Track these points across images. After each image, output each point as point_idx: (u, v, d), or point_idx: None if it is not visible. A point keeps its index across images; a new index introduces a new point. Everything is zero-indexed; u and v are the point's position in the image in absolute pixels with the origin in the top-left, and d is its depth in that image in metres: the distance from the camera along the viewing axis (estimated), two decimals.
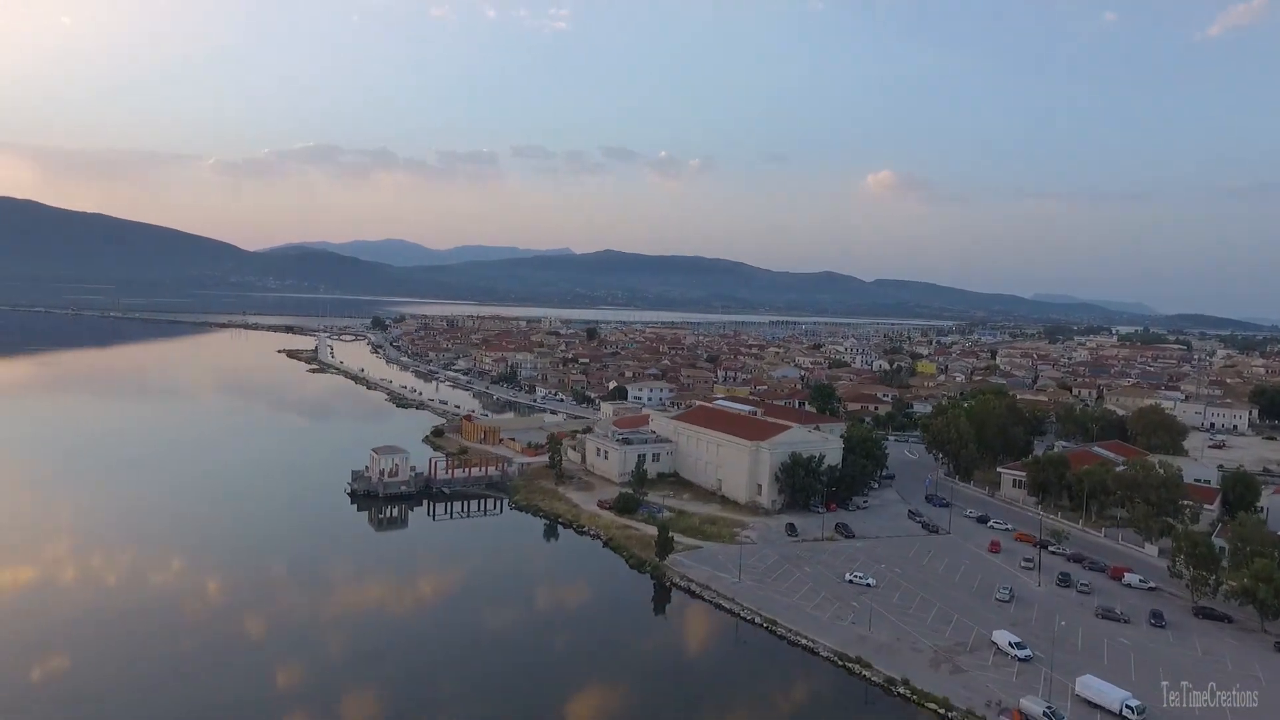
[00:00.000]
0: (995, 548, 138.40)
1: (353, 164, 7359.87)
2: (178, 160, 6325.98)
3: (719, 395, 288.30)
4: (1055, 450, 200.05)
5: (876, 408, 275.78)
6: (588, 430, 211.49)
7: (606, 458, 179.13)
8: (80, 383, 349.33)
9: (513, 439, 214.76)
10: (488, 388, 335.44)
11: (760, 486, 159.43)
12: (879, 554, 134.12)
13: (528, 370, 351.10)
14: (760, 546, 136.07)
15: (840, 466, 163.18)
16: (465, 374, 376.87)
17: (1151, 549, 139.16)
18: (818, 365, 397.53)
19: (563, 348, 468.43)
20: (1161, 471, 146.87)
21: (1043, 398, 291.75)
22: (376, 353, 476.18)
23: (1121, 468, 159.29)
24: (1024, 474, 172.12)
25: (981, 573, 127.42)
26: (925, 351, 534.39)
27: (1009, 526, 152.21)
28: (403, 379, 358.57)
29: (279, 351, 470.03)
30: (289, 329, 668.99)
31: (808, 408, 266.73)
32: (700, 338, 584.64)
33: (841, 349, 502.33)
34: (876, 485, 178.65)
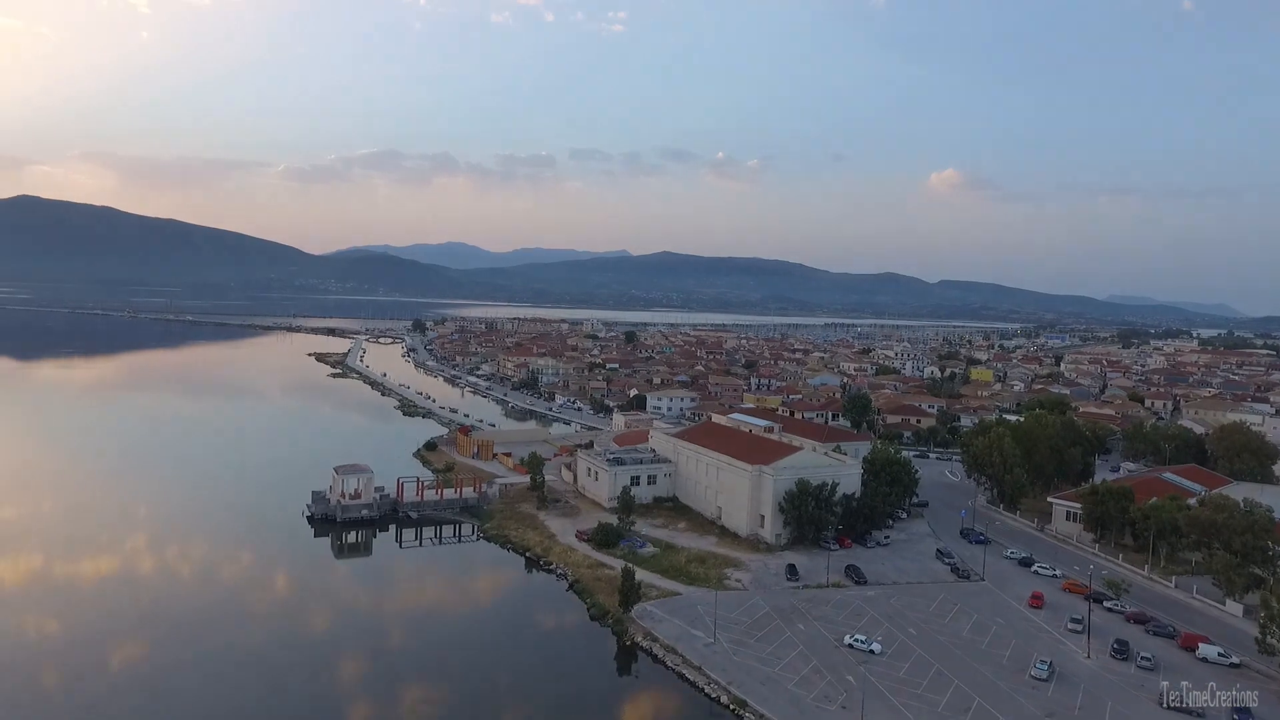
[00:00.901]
0: (1038, 601, 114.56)
1: (415, 169, 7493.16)
2: (248, 167, 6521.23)
3: (747, 405, 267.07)
4: (1118, 476, 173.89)
5: (919, 421, 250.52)
6: (587, 445, 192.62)
7: (597, 479, 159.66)
8: (72, 385, 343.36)
9: (507, 453, 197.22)
10: (506, 394, 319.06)
11: (763, 518, 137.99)
12: (892, 607, 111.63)
13: (549, 376, 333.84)
14: (750, 594, 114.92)
15: (859, 495, 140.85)
16: (488, 380, 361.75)
17: (1235, 607, 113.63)
18: (861, 372, 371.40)
19: (596, 351, 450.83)
20: (1247, 510, 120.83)
21: (1109, 410, 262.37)
22: (408, 357, 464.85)
23: (1196, 500, 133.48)
24: (1079, 506, 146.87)
25: (1017, 636, 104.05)
26: (984, 357, 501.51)
27: (1057, 573, 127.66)
28: (427, 384, 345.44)
29: (309, 355, 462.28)
30: (331, 331, 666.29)
31: (841, 421, 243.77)
32: (743, 341, 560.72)
33: (891, 354, 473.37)
34: (905, 514, 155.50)
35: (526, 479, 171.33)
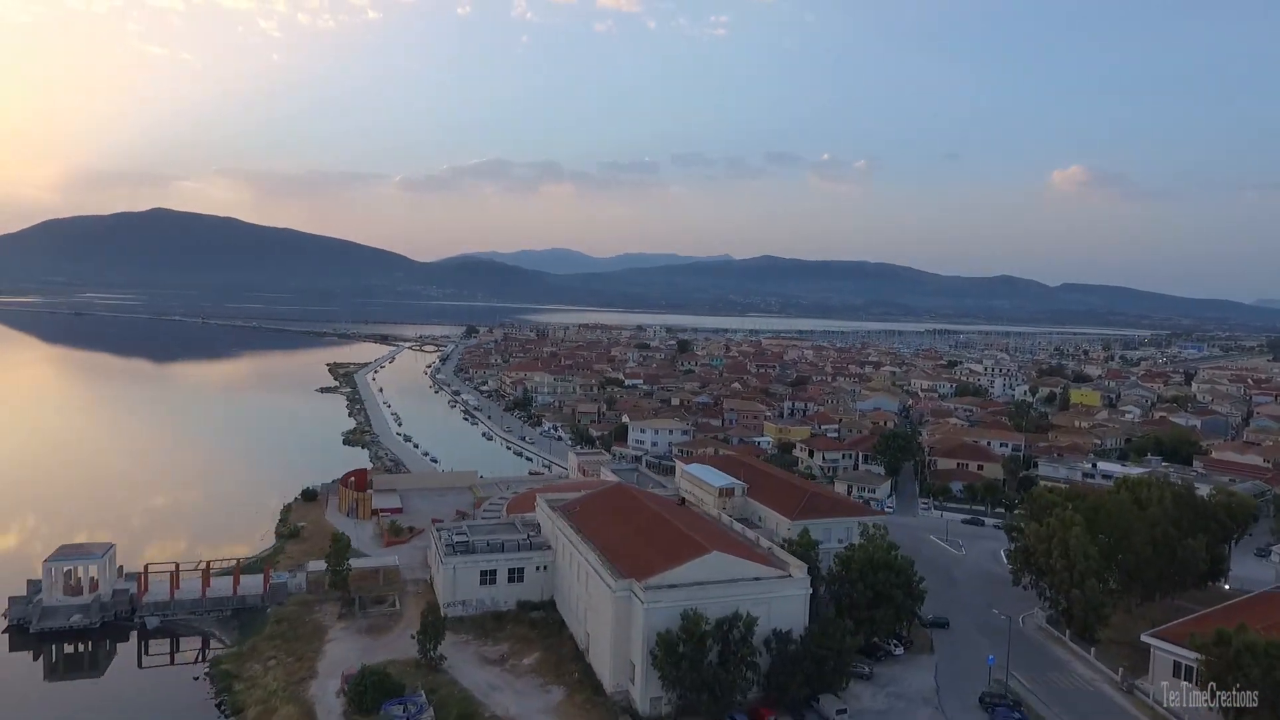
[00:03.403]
0: None
1: (521, 177, 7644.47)
2: (367, 179, 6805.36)
3: (761, 439, 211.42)
4: (1271, 589, 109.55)
5: (981, 467, 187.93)
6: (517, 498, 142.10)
7: (438, 570, 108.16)
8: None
9: (398, 509, 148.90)
10: (490, 416, 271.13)
11: (634, 666, 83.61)
12: None
13: (544, 396, 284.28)
14: None
15: (802, 633, 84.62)
16: (490, 397, 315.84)
17: None
18: (931, 393, 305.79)
19: (631, 364, 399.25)
20: None
21: (1253, 458, 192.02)
22: (430, 369, 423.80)
23: None
24: (1194, 654, 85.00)
25: None
26: (1095, 372, 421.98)
27: None
28: (424, 403, 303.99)
29: (328, 364, 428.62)
30: (383, 339, 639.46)
31: (872, 468, 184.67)
32: (806, 353, 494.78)
33: (980, 369, 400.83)
34: (900, 648, 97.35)
35: (389, 553, 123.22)
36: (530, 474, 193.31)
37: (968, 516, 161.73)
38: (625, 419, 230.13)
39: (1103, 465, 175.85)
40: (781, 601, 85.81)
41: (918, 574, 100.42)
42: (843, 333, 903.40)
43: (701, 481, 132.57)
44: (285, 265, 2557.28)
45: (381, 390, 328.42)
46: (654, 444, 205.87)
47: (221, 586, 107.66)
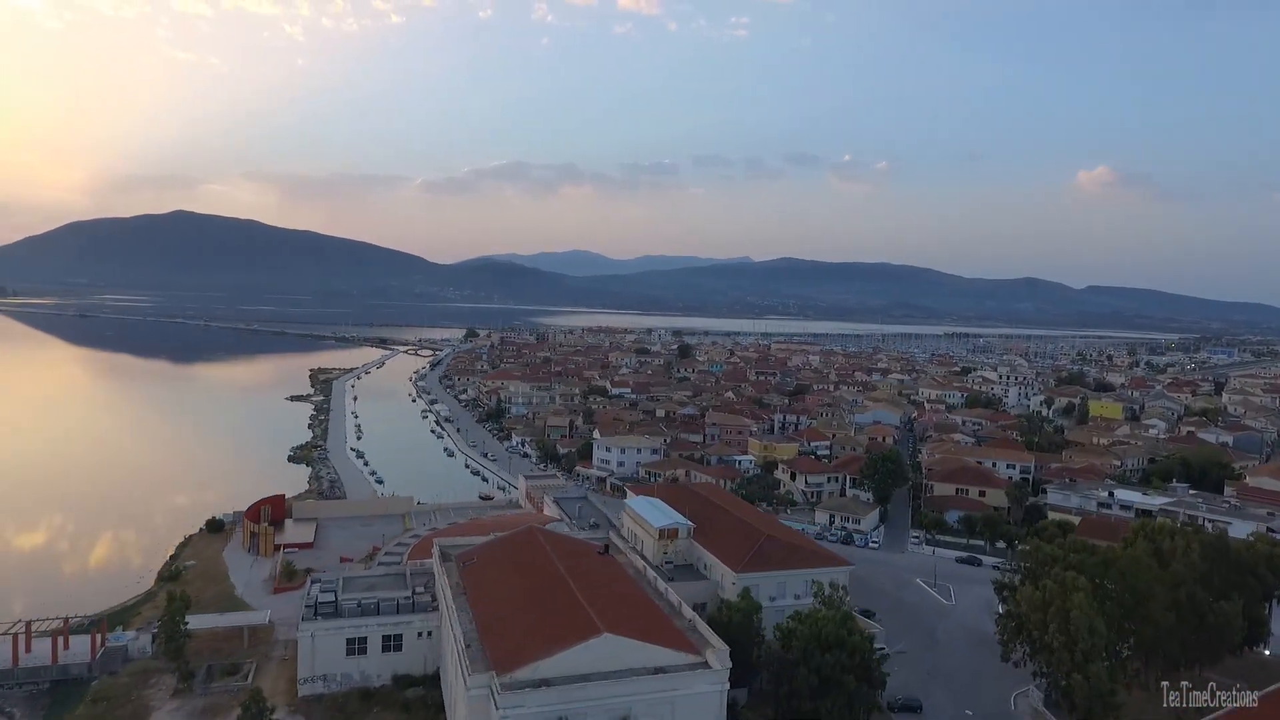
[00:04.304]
0: None
1: (541, 179, 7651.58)
2: (389, 181, 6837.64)
3: (746, 456, 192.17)
4: None
5: (983, 494, 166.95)
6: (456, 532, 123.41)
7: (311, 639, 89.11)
8: None
9: (294, 546, 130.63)
10: (460, 429, 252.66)
11: None
12: None
13: (519, 406, 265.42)
14: None
15: None
16: (467, 406, 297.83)
17: None
18: (938, 405, 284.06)
19: (625, 370, 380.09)
20: None
21: None
22: (413, 376, 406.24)
23: None
24: None
25: None
26: (1118, 380, 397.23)
27: None
28: (397, 413, 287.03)
29: (311, 370, 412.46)
30: (382, 342, 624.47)
31: (860, 494, 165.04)
32: (812, 358, 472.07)
33: (994, 376, 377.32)
34: None
35: (265, 614, 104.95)
36: (481, 498, 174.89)
37: (963, 554, 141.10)
38: (596, 433, 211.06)
39: (1121, 494, 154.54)
40: (688, 701, 66.49)
41: (881, 650, 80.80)
42: (857, 336, 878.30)
43: (643, 520, 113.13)
44: (303, 267, 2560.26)
45: (355, 399, 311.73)
46: (620, 464, 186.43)
47: (42, 651, 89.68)
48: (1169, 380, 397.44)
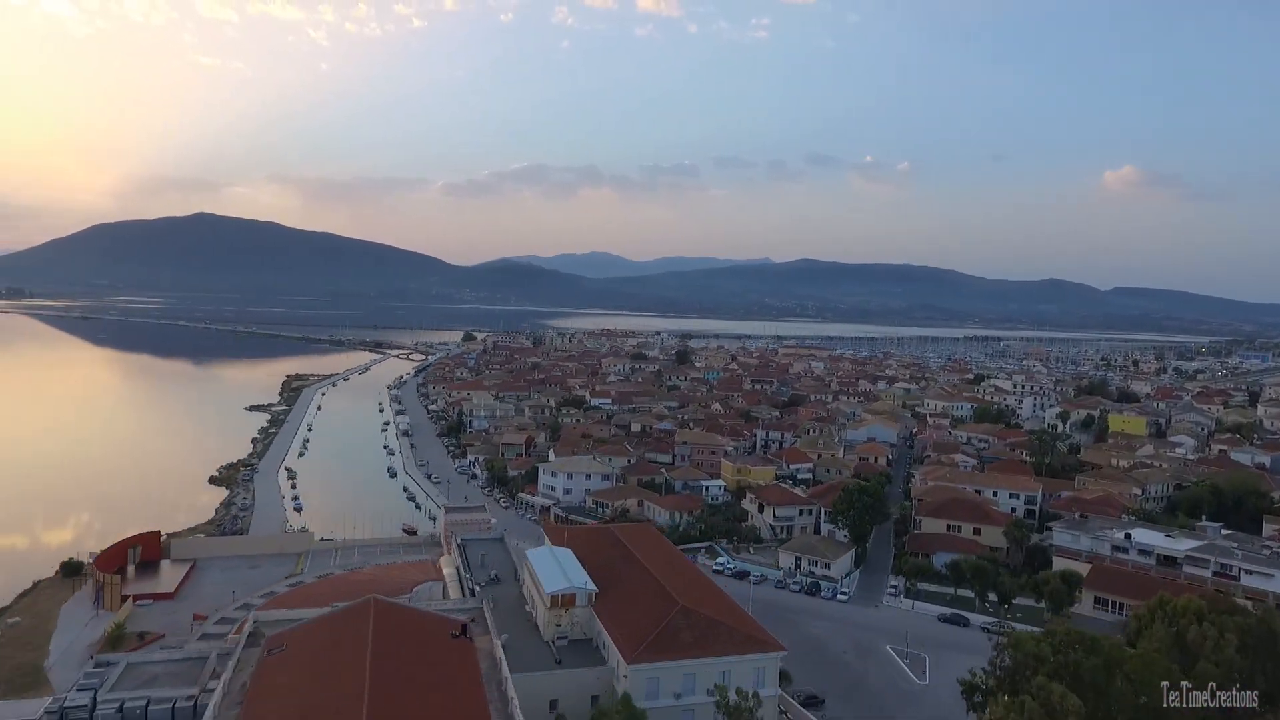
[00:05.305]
0: None
1: (561, 181, 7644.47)
2: (411, 184, 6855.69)
3: (716, 481, 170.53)
4: None
5: (978, 531, 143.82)
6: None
7: None
8: None
9: (148, 598, 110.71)
10: (416, 445, 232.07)
11: None
12: None
13: (480, 420, 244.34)
14: None
15: None
16: (434, 419, 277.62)
17: None
18: (940, 420, 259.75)
19: (614, 377, 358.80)
20: None
21: None
22: (390, 384, 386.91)
23: None
24: None
25: None
26: (1144, 389, 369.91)
27: None
28: (356, 428, 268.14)
29: (287, 375, 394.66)
30: (376, 345, 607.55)
31: (836, 531, 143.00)
32: (813, 364, 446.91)
33: (1008, 386, 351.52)
34: None
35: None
36: (405, 531, 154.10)
37: (947, 612, 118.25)
38: (551, 453, 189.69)
39: (1139, 536, 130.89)
40: None
41: None
42: (872, 339, 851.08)
43: (538, 580, 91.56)
44: (321, 269, 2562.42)
45: (319, 409, 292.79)
46: (567, 491, 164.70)
47: None
48: (1198, 389, 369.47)
